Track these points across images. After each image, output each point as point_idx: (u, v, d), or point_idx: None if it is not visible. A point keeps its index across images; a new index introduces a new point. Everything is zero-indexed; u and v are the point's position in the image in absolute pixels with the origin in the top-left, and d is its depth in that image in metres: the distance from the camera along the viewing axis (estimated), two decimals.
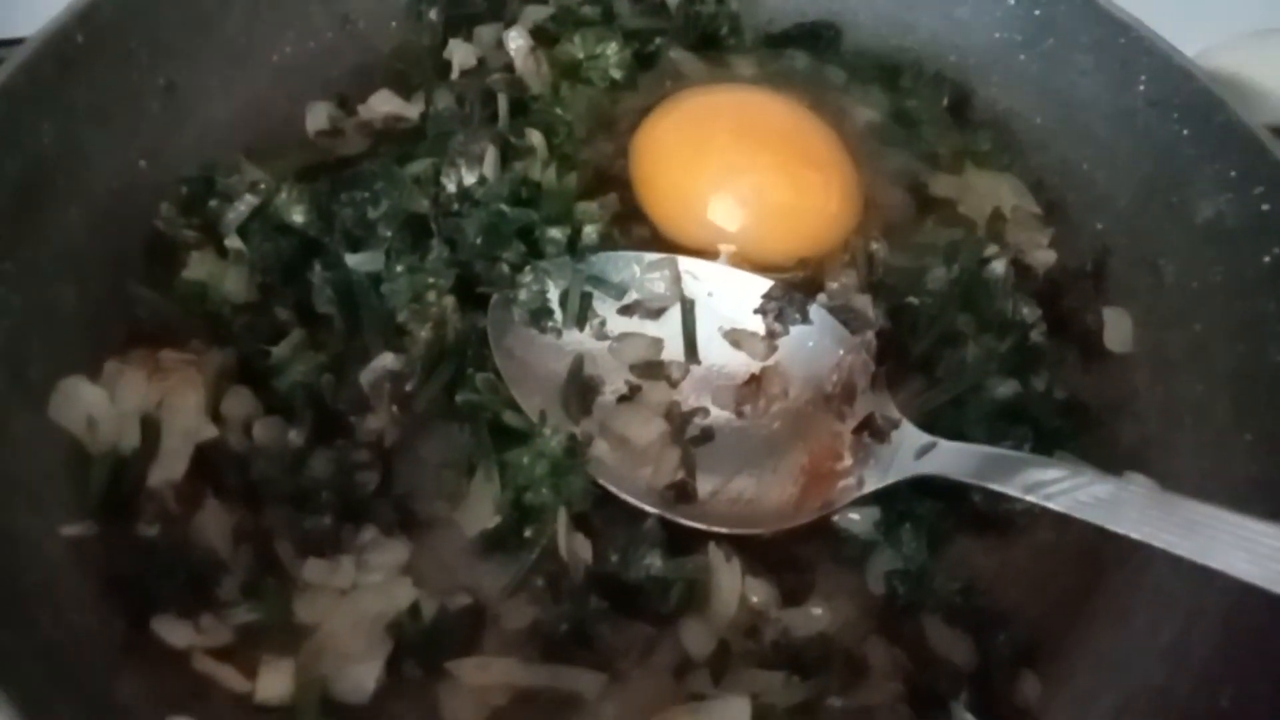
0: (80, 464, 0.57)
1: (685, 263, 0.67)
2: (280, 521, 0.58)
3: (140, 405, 0.58)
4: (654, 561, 0.58)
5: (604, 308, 0.67)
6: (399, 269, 0.64)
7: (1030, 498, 0.53)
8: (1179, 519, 0.49)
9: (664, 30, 0.82)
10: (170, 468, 0.56)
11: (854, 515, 0.62)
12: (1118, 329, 0.72)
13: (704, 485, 0.62)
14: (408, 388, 0.62)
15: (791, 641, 0.57)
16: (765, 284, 0.67)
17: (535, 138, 0.70)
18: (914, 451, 0.60)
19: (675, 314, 0.67)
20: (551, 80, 0.77)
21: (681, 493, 0.61)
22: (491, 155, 0.67)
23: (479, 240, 0.65)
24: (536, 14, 0.81)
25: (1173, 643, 0.59)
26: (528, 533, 0.59)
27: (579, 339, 0.66)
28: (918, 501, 0.61)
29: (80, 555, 0.55)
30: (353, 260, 0.65)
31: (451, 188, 0.66)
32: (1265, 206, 0.67)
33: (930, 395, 0.67)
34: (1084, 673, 0.61)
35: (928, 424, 0.63)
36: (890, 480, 0.60)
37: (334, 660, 0.54)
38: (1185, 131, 0.73)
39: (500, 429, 0.62)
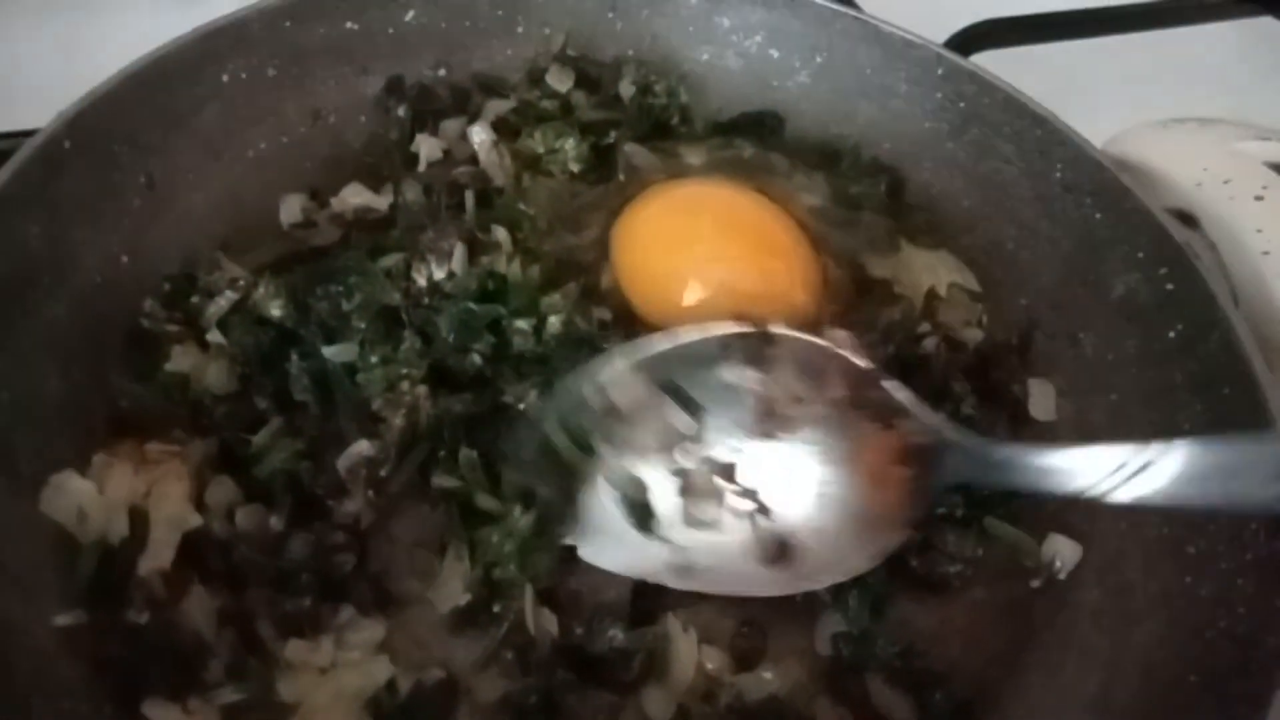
0: (69, 554, 0.60)
1: None
2: (262, 603, 0.60)
3: (128, 497, 0.61)
4: (616, 633, 0.61)
5: None
6: (373, 359, 0.68)
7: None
8: None
9: (619, 122, 0.86)
10: (158, 556, 0.59)
11: None
12: (1042, 398, 0.77)
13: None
14: (382, 472, 0.65)
15: (745, 705, 0.61)
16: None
17: (501, 234, 0.74)
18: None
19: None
20: (514, 172, 0.81)
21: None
22: (460, 251, 0.71)
23: (451, 336, 0.69)
24: (498, 108, 0.86)
25: (1097, 693, 0.63)
26: (497, 608, 0.62)
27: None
28: None
29: (70, 642, 0.57)
30: (329, 351, 0.68)
31: (422, 282, 0.70)
32: (1169, 286, 0.72)
33: None
34: None
35: None
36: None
37: None
38: (1098, 215, 0.78)
39: (470, 509, 0.65)
